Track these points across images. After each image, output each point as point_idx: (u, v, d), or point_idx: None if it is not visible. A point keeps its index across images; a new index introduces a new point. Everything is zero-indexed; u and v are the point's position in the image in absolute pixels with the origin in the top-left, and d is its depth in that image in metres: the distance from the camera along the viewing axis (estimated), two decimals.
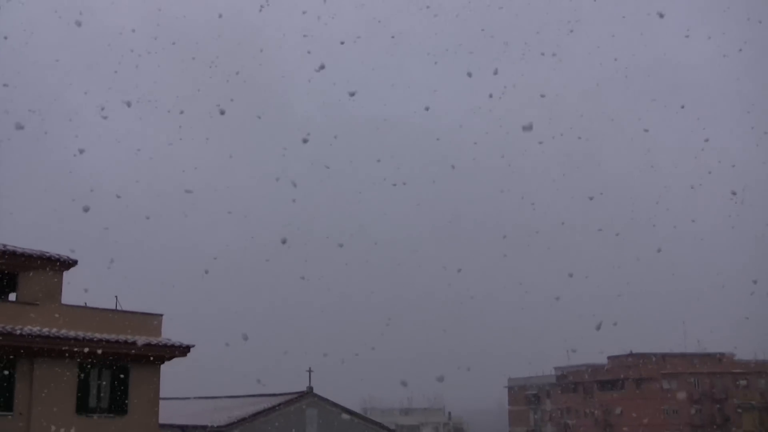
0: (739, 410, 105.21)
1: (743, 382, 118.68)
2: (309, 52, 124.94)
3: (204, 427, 63.05)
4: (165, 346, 36.80)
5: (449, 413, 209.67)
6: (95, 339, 34.34)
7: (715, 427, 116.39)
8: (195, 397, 79.17)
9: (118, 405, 35.23)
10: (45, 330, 33.46)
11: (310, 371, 66.91)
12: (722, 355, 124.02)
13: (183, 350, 37.66)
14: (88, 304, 36.28)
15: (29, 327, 33.24)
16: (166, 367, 37.41)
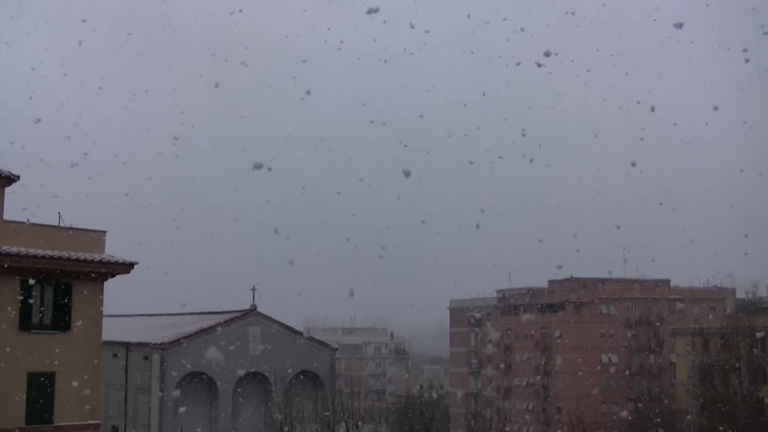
0: (674, 335, 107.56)
1: (680, 306, 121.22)
2: None
3: (148, 345, 63.19)
4: (108, 262, 36.62)
5: (392, 333, 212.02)
6: (37, 255, 34.08)
7: (649, 350, 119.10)
8: (139, 315, 79.17)
9: (61, 322, 35.14)
10: None
11: (254, 290, 67.12)
12: (659, 281, 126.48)
13: (126, 267, 37.53)
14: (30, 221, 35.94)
15: None
16: (109, 285, 37.31)
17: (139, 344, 64.84)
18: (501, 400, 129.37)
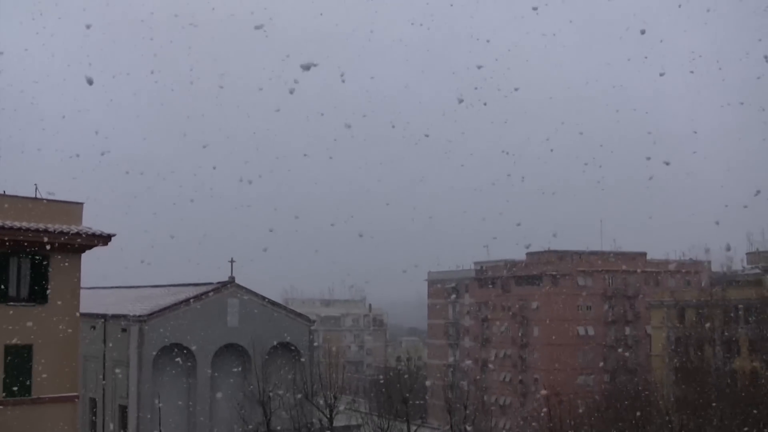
0: (650, 307, 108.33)
1: (660, 279, 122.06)
2: None
3: (126, 317, 63.12)
4: (85, 234, 36.47)
5: (370, 305, 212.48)
6: (13, 227, 33.91)
7: (626, 322, 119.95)
8: (117, 287, 79.00)
9: (38, 294, 35.02)
10: None
11: (232, 262, 67.09)
12: (636, 254, 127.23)
13: (104, 239, 37.37)
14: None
15: None
16: (87, 256, 37.19)
17: (117, 316, 64.75)
18: (478, 372, 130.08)
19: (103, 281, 74.89)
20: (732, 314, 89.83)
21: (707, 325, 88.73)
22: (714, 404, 68.95)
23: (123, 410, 62.36)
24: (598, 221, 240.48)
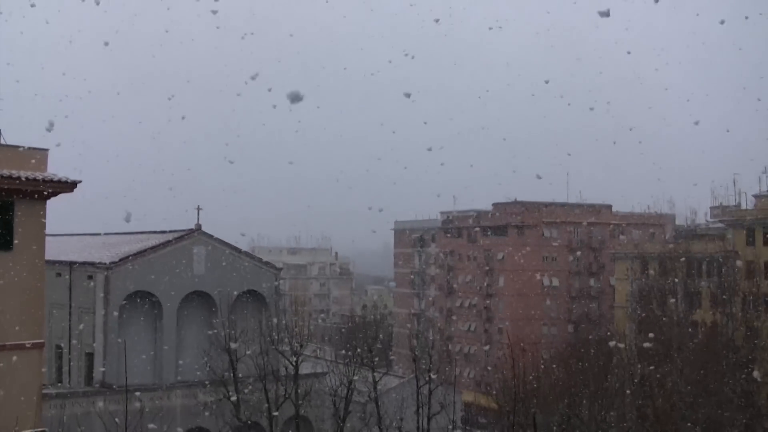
0: (614, 259, 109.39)
1: (625, 231, 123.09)
2: None
3: (92, 264, 62.86)
4: (50, 181, 36.13)
5: (336, 253, 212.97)
6: None
7: (590, 274, 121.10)
8: (82, 234, 78.53)
9: (2, 241, 34.75)
10: None
11: (198, 209, 66.82)
12: (601, 206, 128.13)
13: (69, 186, 37.01)
14: None
15: None
16: (52, 204, 36.88)
17: (83, 263, 64.45)
18: (444, 321, 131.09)
19: (68, 229, 74.47)
20: (694, 267, 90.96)
21: (670, 277, 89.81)
22: (675, 355, 70.10)
23: (89, 357, 62.35)
24: (564, 174, 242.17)
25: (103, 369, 60.25)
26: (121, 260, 62.22)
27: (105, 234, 75.44)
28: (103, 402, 56.87)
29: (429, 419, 56.00)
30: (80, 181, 37.35)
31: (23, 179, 34.70)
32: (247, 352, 58.60)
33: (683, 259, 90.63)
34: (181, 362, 63.98)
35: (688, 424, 59.46)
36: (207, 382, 59.80)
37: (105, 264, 61.52)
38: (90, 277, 62.65)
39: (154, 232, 69.43)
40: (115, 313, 61.19)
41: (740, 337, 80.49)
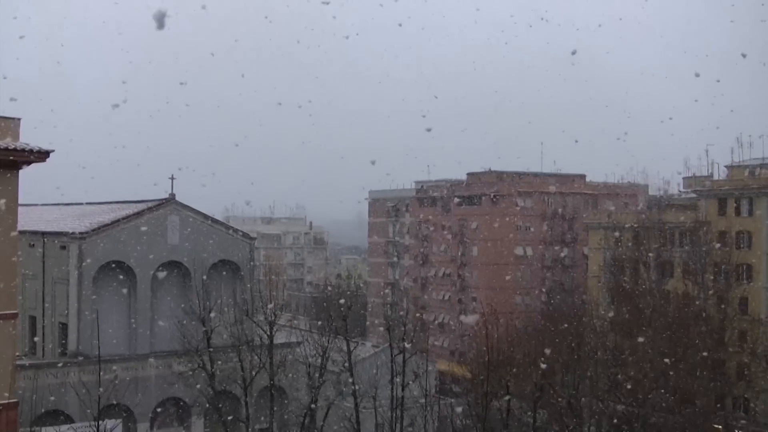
0: (587, 229, 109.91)
1: (598, 201, 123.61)
2: None
3: (66, 234, 62.49)
4: (22, 150, 35.79)
5: (310, 223, 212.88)
6: None
7: (564, 243, 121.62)
8: (56, 204, 78.03)
9: None
10: None
11: (172, 179, 66.48)
12: (575, 176, 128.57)
13: (42, 155, 36.69)
14: None
15: None
16: (25, 173, 36.57)
17: (56, 234, 64.05)
18: (418, 290, 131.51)
19: (42, 199, 74.05)
20: (667, 237, 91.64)
21: (643, 247, 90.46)
22: (647, 324, 70.66)
23: (63, 327, 62.14)
24: (538, 143, 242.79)
25: (77, 339, 60.09)
26: (94, 230, 61.85)
27: (78, 204, 74.95)
28: (77, 372, 56.81)
29: (403, 388, 56.32)
30: (53, 151, 37.04)
31: None
32: (222, 322, 58.58)
33: (656, 229, 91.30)
34: (155, 332, 63.90)
35: (660, 392, 60.17)
36: (181, 352, 59.73)
37: (78, 234, 61.16)
38: (63, 248, 62.30)
39: (128, 202, 69.06)
40: (89, 283, 60.93)
41: (711, 306, 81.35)
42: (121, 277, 62.88)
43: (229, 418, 57.66)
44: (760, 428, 77.98)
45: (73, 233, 61.59)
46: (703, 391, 67.13)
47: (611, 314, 74.72)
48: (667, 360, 60.64)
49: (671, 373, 61.24)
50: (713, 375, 73.99)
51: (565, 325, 66.98)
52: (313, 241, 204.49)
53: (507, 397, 51.32)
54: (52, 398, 54.27)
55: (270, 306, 59.57)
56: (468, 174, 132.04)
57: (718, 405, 75.76)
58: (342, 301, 65.15)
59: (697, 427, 63.26)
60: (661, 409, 58.90)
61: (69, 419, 54.66)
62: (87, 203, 73.81)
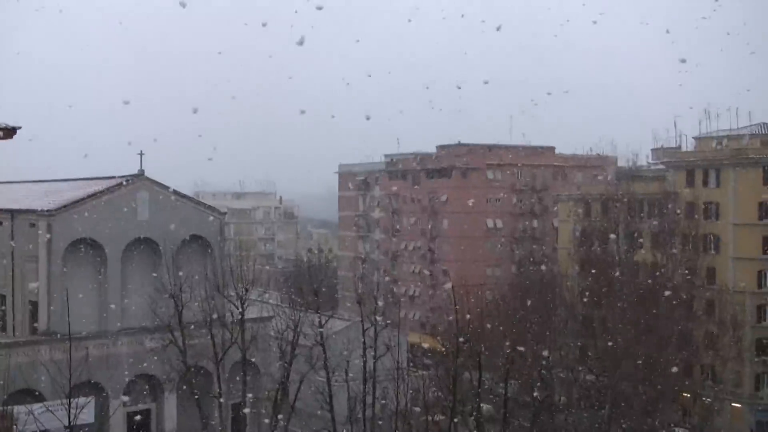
0: (557, 201, 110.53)
1: (568, 173, 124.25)
2: None
3: (34, 211, 62.02)
4: None
5: (281, 197, 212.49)
6: None
7: (534, 215, 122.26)
8: (24, 182, 77.37)
9: None
10: None
11: (141, 154, 65.98)
12: (545, 148, 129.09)
13: (8, 132, 36.44)
14: None
15: None
16: None
17: (25, 211, 63.50)
18: (389, 264, 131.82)
19: (9, 176, 73.29)
20: (636, 208, 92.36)
21: (612, 218, 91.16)
22: (616, 295, 71.40)
23: (33, 305, 61.77)
24: (507, 116, 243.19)
25: (47, 317, 59.80)
26: (63, 207, 61.37)
27: (47, 181, 74.33)
28: (48, 350, 56.57)
29: (375, 361, 56.55)
30: (20, 128, 36.75)
31: None
32: (193, 298, 58.45)
33: (625, 200, 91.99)
34: (126, 309, 63.65)
35: (629, 362, 60.89)
36: (153, 328, 59.58)
37: (47, 211, 60.67)
38: (32, 225, 61.79)
39: (97, 179, 68.50)
40: (59, 261, 60.54)
41: (680, 277, 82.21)
42: (91, 254, 62.49)
43: (202, 393, 57.67)
44: (728, 396, 79.16)
45: (41, 211, 61.09)
46: (672, 360, 67.97)
47: (581, 285, 75.43)
48: (635, 330, 61.36)
49: (640, 342, 61.97)
50: (681, 344, 74.93)
51: (536, 297, 67.57)
52: (284, 216, 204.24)
53: (478, 369, 51.61)
54: (24, 377, 54.07)
55: (240, 285, 59.57)
56: (438, 147, 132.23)
57: (687, 374, 76.76)
58: (312, 275, 65.26)
59: (665, 396, 64.13)
60: (631, 379, 59.64)
61: (41, 398, 54.46)
62: (55, 180, 73.19)
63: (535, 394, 54.41)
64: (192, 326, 58.60)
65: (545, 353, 58.75)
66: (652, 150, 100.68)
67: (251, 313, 63.42)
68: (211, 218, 69.97)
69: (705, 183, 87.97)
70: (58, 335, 57.05)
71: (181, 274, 59.38)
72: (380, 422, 61.18)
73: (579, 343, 67.59)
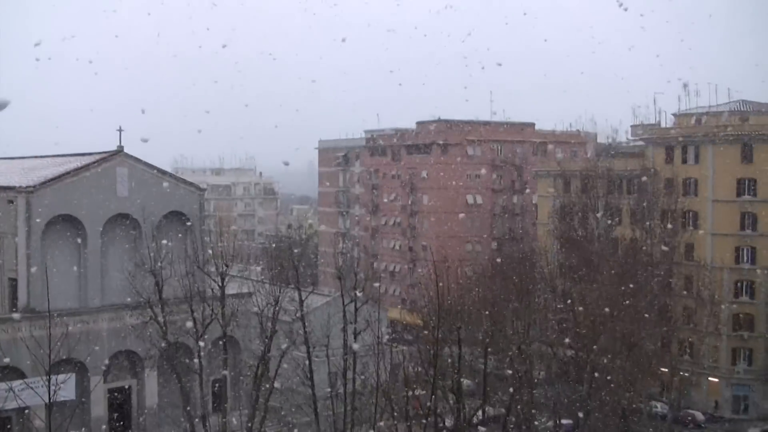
0: (537, 176, 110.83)
1: (547, 149, 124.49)
2: None
3: (13, 188, 61.73)
4: None
5: (260, 173, 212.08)
6: None
7: (513, 191, 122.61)
8: (2, 158, 76.91)
9: None
10: None
11: (120, 130, 65.73)
12: (525, 124, 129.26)
13: None
14: None
15: None
16: None
17: (3, 188, 63.13)
18: (369, 239, 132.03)
19: None
20: (615, 184, 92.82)
21: (591, 194, 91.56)
22: (595, 270, 71.78)
23: (13, 283, 61.58)
24: (488, 93, 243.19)
25: (27, 294, 59.64)
26: (42, 184, 61.09)
27: (26, 158, 73.92)
28: (28, 327, 56.39)
29: (355, 336, 56.67)
30: (9, 102, 36.57)
31: None
32: (173, 274, 58.35)
33: (604, 176, 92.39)
34: (106, 285, 63.57)
35: (608, 337, 61.27)
36: (133, 305, 59.50)
37: (26, 188, 60.39)
38: (11, 202, 61.48)
39: (76, 155, 68.18)
40: (38, 238, 60.33)
41: (658, 252, 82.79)
42: (71, 230, 62.30)
43: (183, 370, 57.70)
44: (705, 371, 79.92)
45: (20, 187, 60.80)
46: (650, 335, 68.48)
47: (560, 261, 75.76)
48: (614, 305, 61.72)
49: (618, 318, 62.35)
50: (660, 319, 75.51)
51: (515, 272, 67.83)
52: (264, 192, 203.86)
53: (458, 345, 51.77)
54: (3, 354, 53.93)
55: (221, 261, 59.41)
56: (417, 123, 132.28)
57: (665, 349, 77.44)
58: (293, 251, 65.20)
59: (644, 370, 64.67)
60: (609, 354, 60.01)
61: (21, 374, 54.39)
62: (34, 156, 72.81)
63: (514, 368, 54.67)
64: (172, 302, 58.54)
65: (525, 328, 59.01)
66: (632, 126, 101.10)
67: (231, 288, 63.36)
68: (191, 194, 69.84)
69: (684, 159, 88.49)
70: (38, 312, 56.94)
71: (160, 250, 59.25)
72: (361, 397, 61.43)
73: (558, 318, 67.92)
